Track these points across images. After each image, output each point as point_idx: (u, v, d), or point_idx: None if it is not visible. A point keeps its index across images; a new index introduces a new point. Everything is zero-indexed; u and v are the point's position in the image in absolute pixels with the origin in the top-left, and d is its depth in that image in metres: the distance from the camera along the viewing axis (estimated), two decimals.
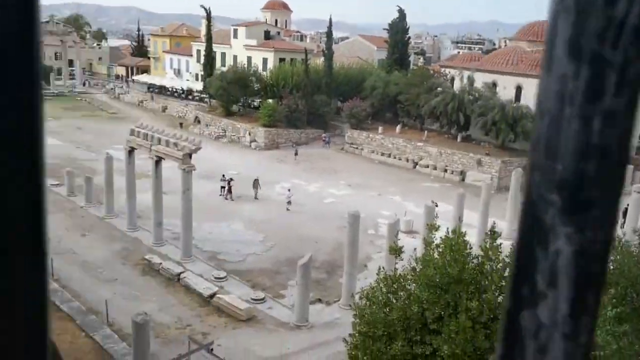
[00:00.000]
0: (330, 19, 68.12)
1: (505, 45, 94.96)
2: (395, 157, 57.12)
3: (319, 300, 26.31)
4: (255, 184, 42.94)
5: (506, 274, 12.44)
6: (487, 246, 12.68)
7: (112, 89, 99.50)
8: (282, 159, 57.14)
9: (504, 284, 12.40)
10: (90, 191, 38.50)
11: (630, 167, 44.41)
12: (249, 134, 63.53)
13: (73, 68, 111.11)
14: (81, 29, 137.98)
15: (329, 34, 69.52)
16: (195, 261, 29.98)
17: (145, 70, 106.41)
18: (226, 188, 42.55)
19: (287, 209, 40.25)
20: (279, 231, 35.72)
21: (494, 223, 14.97)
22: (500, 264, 12.57)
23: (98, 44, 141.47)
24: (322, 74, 67.95)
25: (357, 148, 61.01)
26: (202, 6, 75.66)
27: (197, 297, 25.67)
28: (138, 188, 34.77)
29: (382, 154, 58.25)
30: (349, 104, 63.45)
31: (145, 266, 28.90)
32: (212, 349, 19.70)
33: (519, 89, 54.72)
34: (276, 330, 23.48)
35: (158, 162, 31.24)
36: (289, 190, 42.16)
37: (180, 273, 27.55)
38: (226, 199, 42.22)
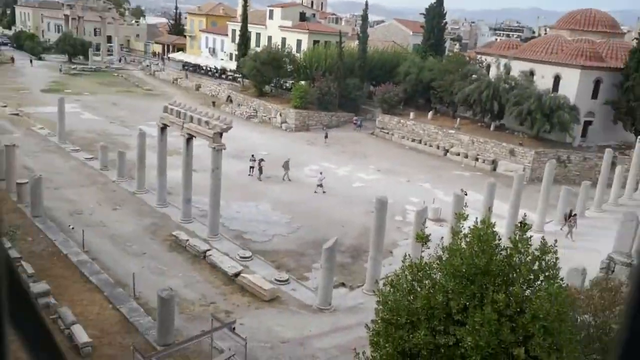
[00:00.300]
0: (367, 2, 67.27)
1: (546, 34, 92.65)
2: (426, 144, 56.50)
3: (343, 285, 26.25)
4: (286, 165, 42.89)
5: (535, 267, 12.16)
6: (517, 238, 12.38)
7: (148, 65, 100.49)
8: (312, 141, 57.03)
9: (532, 277, 12.13)
10: (123, 166, 39.03)
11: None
12: (280, 115, 63.52)
13: (111, 44, 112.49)
14: (120, 6, 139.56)
15: (364, 17, 68.73)
16: (221, 239, 30.20)
17: (181, 48, 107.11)
18: (256, 168, 42.62)
19: (316, 192, 40.16)
20: (306, 213, 35.73)
21: (525, 215, 14.65)
22: (530, 257, 12.25)
23: (136, 21, 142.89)
24: (356, 58, 67.39)
25: (387, 133, 60.50)
26: None
27: (221, 275, 25.86)
28: (169, 165, 35.10)
29: (413, 140, 57.67)
30: (381, 89, 62.89)
31: (172, 242, 29.23)
32: (234, 328, 19.82)
33: (557, 79, 53.31)
34: (299, 312, 23.52)
35: (189, 139, 31.43)
36: (320, 173, 42.01)
37: (207, 251, 27.77)
38: (259, 179, 42.28)
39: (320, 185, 40.37)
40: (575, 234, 34.36)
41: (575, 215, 35.32)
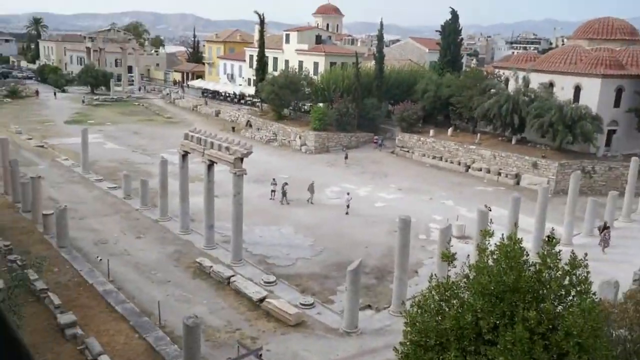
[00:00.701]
0: (381, 22, 67.65)
1: (563, 44, 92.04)
2: (446, 161, 56.09)
3: (369, 307, 25.89)
4: (311, 188, 42.86)
5: (566, 282, 11.82)
6: (545, 253, 12.06)
7: (167, 94, 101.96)
8: (332, 163, 57.01)
9: (563, 292, 11.79)
10: (146, 194, 39.35)
11: None
12: (300, 138, 63.72)
13: (132, 74, 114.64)
14: (140, 36, 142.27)
15: (379, 37, 69.03)
16: (245, 265, 30.11)
17: (200, 75, 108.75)
18: (281, 192, 42.59)
19: (347, 213, 40.03)
20: (329, 235, 35.54)
21: (552, 229, 14.31)
22: (560, 272, 11.91)
23: (156, 51, 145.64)
24: (373, 77, 67.55)
25: (407, 151, 60.25)
26: (255, 12, 76.60)
27: (246, 301, 25.70)
28: (191, 191, 35.30)
29: (434, 157, 57.32)
30: (399, 107, 62.78)
31: (196, 269, 29.21)
32: (260, 355, 19.63)
33: (577, 89, 52.71)
34: (325, 336, 23.21)
35: (210, 165, 31.59)
36: (348, 194, 41.94)
37: (231, 277, 27.66)
38: (282, 203, 42.24)
39: (348, 206, 40.28)
40: (602, 246, 33.58)
41: (608, 227, 34.42)
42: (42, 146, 58.19)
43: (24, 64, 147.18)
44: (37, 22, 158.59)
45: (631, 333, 14.17)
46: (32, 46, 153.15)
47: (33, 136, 62.61)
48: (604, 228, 34.28)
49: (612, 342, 13.37)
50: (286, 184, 42.98)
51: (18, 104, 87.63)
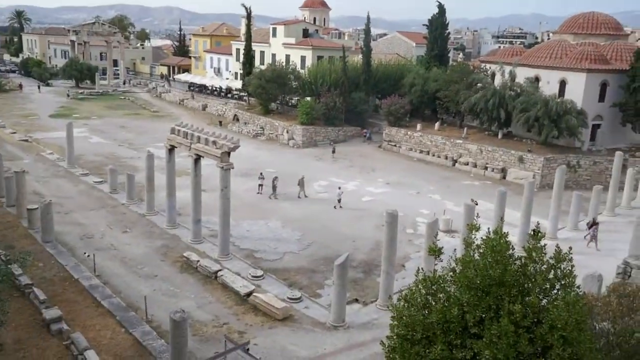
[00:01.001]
0: (368, 16, 67.47)
1: (549, 39, 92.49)
2: (434, 155, 56.33)
3: (356, 300, 25.98)
4: (301, 182, 42.82)
5: (551, 276, 11.92)
6: (531, 247, 12.16)
7: (154, 87, 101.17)
8: (319, 157, 57.00)
9: (548, 286, 11.90)
10: (132, 188, 39.09)
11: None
12: (287, 132, 63.61)
13: (117, 68, 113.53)
14: (125, 30, 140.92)
15: (366, 30, 68.90)
16: (232, 259, 30.05)
17: (187, 69, 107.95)
18: (271, 186, 42.47)
19: (336, 207, 40.09)
20: (317, 229, 35.56)
21: (538, 223, 14.45)
22: (545, 266, 12.02)
23: (141, 44, 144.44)
24: (360, 71, 67.52)
25: (395, 145, 60.39)
26: (242, 5, 76.10)
27: (234, 295, 25.68)
28: (178, 185, 35.11)
29: (421, 152, 57.50)
30: (387, 101, 62.89)
31: (183, 263, 29.11)
32: (248, 349, 19.63)
33: (563, 84, 53.03)
34: (312, 330, 23.26)
35: (197, 160, 31.44)
36: (339, 188, 42.08)
37: (218, 271, 27.62)
38: (271, 197, 42.10)
39: (339, 200, 40.34)
40: (589, 240, 33.85)
41: (597, 223, 34.58)
42: (26, 140, 57.52)
43: (6, 57, 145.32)
44: (19, 15, 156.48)
45: (614, 326, 14.33)
46: (15, 39, 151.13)
47: (17, 130, 61.90)
48: (593, 224, 34.43)
49: (595, 335, 13.52)
50: (276, 178, 42.89)
51: (1, 97, 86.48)
